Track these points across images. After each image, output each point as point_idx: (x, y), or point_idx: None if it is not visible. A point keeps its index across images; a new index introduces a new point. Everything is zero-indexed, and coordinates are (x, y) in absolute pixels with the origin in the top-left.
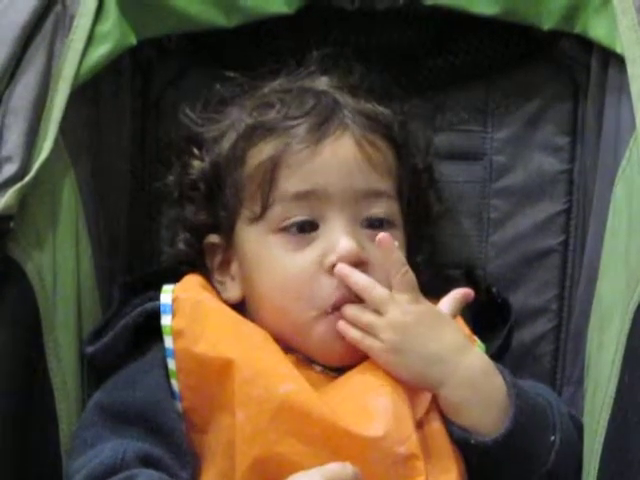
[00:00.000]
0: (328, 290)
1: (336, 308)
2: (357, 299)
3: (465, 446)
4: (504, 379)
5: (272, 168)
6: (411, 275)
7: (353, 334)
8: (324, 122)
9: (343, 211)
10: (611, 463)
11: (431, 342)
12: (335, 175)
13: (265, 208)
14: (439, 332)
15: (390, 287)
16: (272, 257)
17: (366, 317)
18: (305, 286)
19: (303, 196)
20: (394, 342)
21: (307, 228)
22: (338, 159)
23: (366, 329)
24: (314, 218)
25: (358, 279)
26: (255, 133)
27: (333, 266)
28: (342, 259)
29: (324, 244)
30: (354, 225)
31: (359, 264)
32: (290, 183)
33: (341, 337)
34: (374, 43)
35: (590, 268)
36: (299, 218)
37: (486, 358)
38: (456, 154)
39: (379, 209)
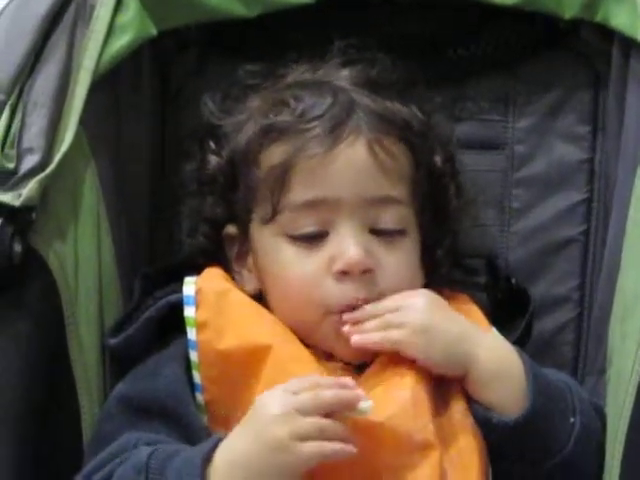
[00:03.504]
0: (335, 295)
1: (343, 311)
2: (364, 303)
3: (486, 426)
4: (522, 359)
5: (283, 174)
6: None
7: (373, 338)
8: (338, 126)
9: (352, 218)
10: (635, 452)
11: (453, 322)
12: (346, 183)
13: (275, 213)
14: (455, 315)
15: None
16: (282, 260)
17: (383, 315)
18: (312, 291)
19: (313, 204)
20: (421, 321)
21: (316, 237)
22: (350, 167)
23: (386, 325)
24: (323, 227)
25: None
26: (268, 135)
27: (340, 273)
28: (349, 267)
29: (332, 250)
30: (363, 231)
31: (366, 271)
32: (300, 191)
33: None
34: (395, 33)
35: (612, 258)
36: (308, 229)
37: (503, 338)
38: (477, 144)
39: (389, 217)
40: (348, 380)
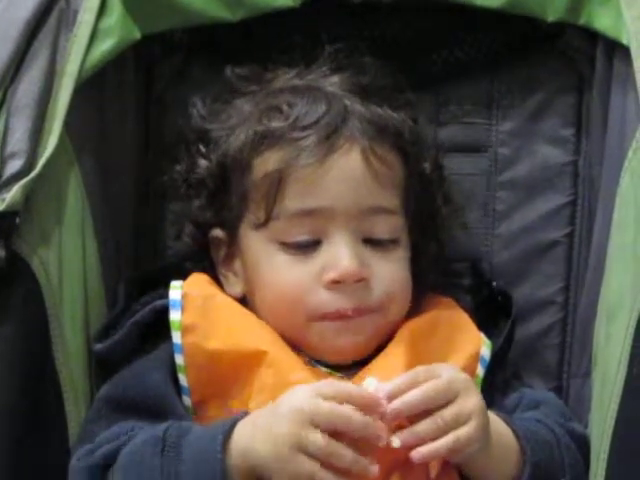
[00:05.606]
0: (323, 301)
1: (331, 316)
2: (354, 313)
3: None
4: (516, 435)
5: (278, 182)
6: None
7: (442, 446)
8: (332, 134)
9: (346, 227)
10: (621, 454)
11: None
12: (341, 193)
13: (268, 219)
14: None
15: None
16: (272, 266)
17: (448, 412)
18: (301, 297)
19: (308, 213)
20: (483, 406)
21: (309, 245)
22: (345, 176)
23: (451, 424)
24: (317, 235)
25: (412, 398)
26: (262, 141)
27: (332, 282)
28: (342, 277)
29: (325, 260)
30: (357, 241)
31: (359, 281)
32: (295, 199)
33: (338, 336)
34: (378, 37)
35: (597, 260)
36: (302, 238)
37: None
38: (461, 147)
39: (382, 228)
40: (382, 401)
